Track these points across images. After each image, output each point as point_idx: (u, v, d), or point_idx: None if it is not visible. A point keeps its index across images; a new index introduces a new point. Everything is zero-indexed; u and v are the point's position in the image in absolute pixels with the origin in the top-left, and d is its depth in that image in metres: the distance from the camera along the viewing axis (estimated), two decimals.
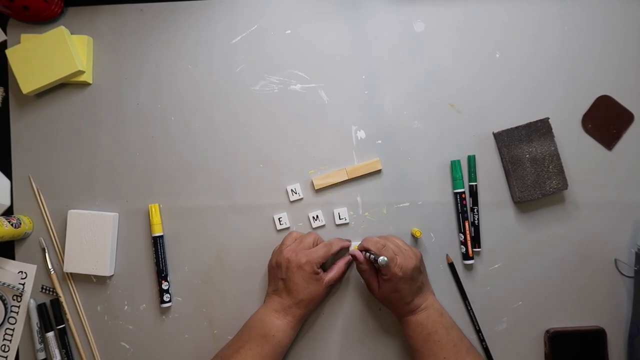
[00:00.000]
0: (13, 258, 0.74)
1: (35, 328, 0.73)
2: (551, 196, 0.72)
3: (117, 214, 0.74)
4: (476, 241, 0.72)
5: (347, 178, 0.73)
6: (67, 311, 0.73)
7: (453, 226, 0.73)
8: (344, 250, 0.72)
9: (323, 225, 0.74)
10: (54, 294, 0.74)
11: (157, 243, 0.73)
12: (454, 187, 0.72)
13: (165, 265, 0.73)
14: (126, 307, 0.74)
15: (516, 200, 0.72)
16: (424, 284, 0.68)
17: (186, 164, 0.74)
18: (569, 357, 0.71)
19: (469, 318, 0.72)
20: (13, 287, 0.73)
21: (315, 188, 0.73)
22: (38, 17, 0.74)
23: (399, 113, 0.74)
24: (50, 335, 0.73)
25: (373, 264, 0.67)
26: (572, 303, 0.72)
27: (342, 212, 0.73)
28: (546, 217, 0.72)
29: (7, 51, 0.72)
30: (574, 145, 0.73)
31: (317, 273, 0.67)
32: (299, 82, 0.74)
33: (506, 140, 0.71)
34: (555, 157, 0.70)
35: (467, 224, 0.72)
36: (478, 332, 0.72)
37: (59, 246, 0.74)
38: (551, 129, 0.70)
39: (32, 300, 0.73)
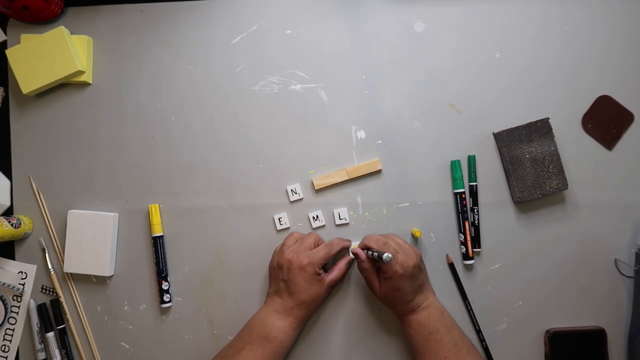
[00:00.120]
0: (13, 258, 0.74)
1: (35, 328, 0.73)
2: (551, 196, 0.72)
3: (117, 214, 0.74)
4: (476, 241, 0.72)
5: (347, 178, 0.73)
6: (67, 311, 0.73)
7: (453, 226, 0.73)
8: (345, 250, 0.72)
9: (323, 226, 0.74)
10: (54, 294, 0.74)
11: (157, 243, 0.73)
12: (454, 187, 0.72)
13: (165, 265, 0.73)
14: (126, 307, 0.74)
15: (516, 200, 0.72)
16: (425, 283, 0.68)
17: (186, 164, 0.74)
18: (569, 357, 0.71)
19: (469, 318, 0.72)
20: (13, 287, 0.73)
21: (315, 188, 0.73)
22: (38, 17, 0.74)
23: (399, 113, 0.74)
24: (50, 335, 0.73)
25: (374, 262, 0.67)
26: (572, 303, 0.72)
27: (342, 212, 0.73)
28: (546, 217, 0.72)
29: (7, 51, 0.72)
30: (574, 145, 0.73)
31: (319, 274, 0.67)
32: (299, 82, 0.74)
33: (506, 140, 0.71)
34: (555, 157, 0.70)
35: (467, 224, 0.72)
36: (478, 332, 0.72)
37: (59, 246, 0.74)
38: (551, 129, 0.70)
39: (32, 301, 0.73)
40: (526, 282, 0.72)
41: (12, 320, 0.73)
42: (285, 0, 0.75)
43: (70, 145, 0.75)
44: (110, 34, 0.76)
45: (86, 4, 0.76)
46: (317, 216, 0.73)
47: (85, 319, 0.74)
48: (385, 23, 0.74)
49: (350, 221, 0.74)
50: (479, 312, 0.72)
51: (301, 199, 0.74)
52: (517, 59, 0.74)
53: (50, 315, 0.74)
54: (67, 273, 0.74)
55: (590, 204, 0.72)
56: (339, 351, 0.73)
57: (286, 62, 0.75)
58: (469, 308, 0.72)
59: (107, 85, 0.75)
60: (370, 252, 0.65)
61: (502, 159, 0.73)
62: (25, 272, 0.74)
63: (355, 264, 0.71)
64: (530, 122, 0.71)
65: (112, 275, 0.74)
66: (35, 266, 0.74)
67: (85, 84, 0.75)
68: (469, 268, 0.73)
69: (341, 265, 0.70)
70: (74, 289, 0.74)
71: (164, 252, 0.73)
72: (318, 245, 0.69)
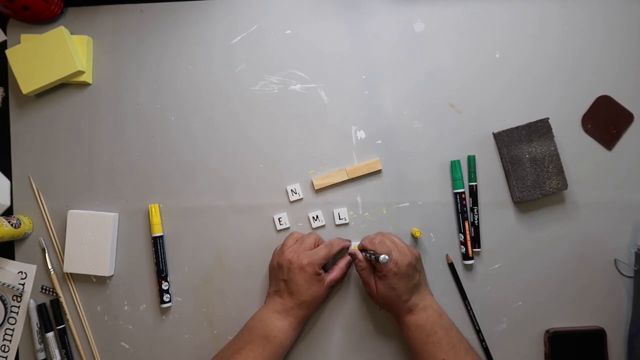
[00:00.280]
0: (13, 258, 0.74)
1: (35, 328, 0.72)
2: (551, 196, 0.72)
3: (117, 214, 0.74)
4: (476, 241, 0.72)
5: (347, 178, 0.73)
6: (67, 311, 0.73)
7: (453, 226, 0.73)
8: (345, 250, 0.72)
9: (323, 226, 0.74)
10: (54, 294, 0.74)
11: (157, 243, 0.73)
12: (454, 187, 0.72)
13: (165, 265, 0.73)
14: (126, 307, 0.74)
15: (516, 200, 0.72)
16: (421, 283, 0.68)
17: (186, 164, 0.74)
18: (569, 357, 0.71)
19: (469, 318, 0.72)
20: (13, 287, 0.73)
21: (315, 188, 0.73)
22: (38, 17, 0.74)
23: (399, 113, 0.74)
24: (50, 335, 0.73)
25: (372, 264, 0.67)
26: (572, 303, 0.72)
27: (342, 212, 0.73)
28: (546, 217, 0.72)
29: (7, 51, 0.72)
30: (574, 145, 0.73)
31: (319, 274, 0.67)
32: (299, 82, 0.74)
33: (506, 141, 0.71)
34: (555, 157, 0.70)
35: (467, 224, 0.72)
36: (478, 332, 0.72)
37: (59, 246, 0.74)
38: (551, 129, 0.70)
39: (32, 301, 0.73)
40: (526, 282, 0.72)
41: (12, 320, 0.73)
42: (285, 0, 0.75)
43: (70, 145, 0.75)
44: (110, 34, 0.76)
45: (86, 4, 0.76)
46: (317, 216, 0.73)
47: (85, 319, 0.74)
48: (385, 23, 0.74)
49: (350, 221, 0.74)
50: (479, 312, 0.72)
51: (301, 199, 0.74)
52: (517, 59, 0.74)
53: (50, 315, 0.73)
54: (67, 273, 0.74)
55: (590, 204, 0.72)
56: (339, 351, 0.73)
57: (286, 62, 0.75)
58: (469, 308, 0.72)
59: (107, 85, 0.75)
60: (368, 254, 0.65)
61: (502, 159, 0.73)
62: (25, 272, 0.74)
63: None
64: (530, 122, 0.71)
65: (112, 275, 0.74)
66: (35, 266, 0.74)
67: (85, 84, 0.75)
68: (468, 268, 0.73)
69: (341, 265, 0.70)
70: (74, 289, 0.74)
71: (164, 252, 0.73)
72: (318, 245, 0.69)
